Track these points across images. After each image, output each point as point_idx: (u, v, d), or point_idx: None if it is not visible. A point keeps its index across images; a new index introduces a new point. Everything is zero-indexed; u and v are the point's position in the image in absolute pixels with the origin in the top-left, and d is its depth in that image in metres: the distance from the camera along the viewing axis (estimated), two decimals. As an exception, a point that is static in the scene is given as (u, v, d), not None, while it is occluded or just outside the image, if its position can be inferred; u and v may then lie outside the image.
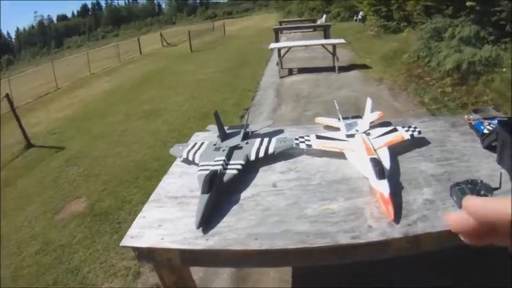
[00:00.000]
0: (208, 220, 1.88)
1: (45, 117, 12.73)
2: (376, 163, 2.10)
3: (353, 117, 3.03)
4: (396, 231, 1.70)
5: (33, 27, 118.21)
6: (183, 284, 2.15)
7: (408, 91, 8.97)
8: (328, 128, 3.04)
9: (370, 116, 2.97)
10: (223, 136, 2.83)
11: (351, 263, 1.77)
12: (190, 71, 16.42)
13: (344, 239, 1.68)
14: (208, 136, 3.12)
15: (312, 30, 23.61)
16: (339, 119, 3.00)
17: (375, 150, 2.33)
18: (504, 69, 7.82)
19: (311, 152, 2.55)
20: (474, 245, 0.57)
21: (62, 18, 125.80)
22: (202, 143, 2.77)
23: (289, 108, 8.76)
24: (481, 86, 7.91)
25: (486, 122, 2.59)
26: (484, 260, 2.74)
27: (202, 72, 15.50)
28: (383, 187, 1.92)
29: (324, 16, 28.57)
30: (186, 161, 2.63)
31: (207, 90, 11.90)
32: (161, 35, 34.84)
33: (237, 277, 3.38)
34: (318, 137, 2.66)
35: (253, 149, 2.56)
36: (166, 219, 1.97)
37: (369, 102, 3.08)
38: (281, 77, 12.36)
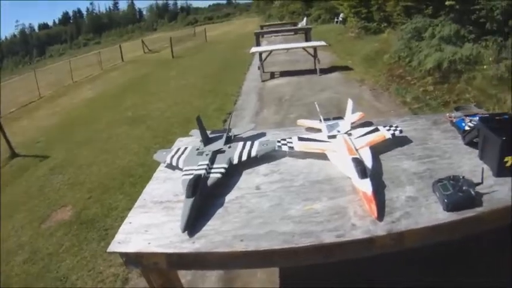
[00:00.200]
0: (193, 224, 1.89)
1: (29, 126, 12.64)
2: (358, 163, 2.13)
3: (334, 119, 3.05)
4: (380, 229, 1.72)
5: (15, 36, 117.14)
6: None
7: (390, 91, 9.05)
8: (310, 129, 3.04)
9: (351, 116, 2.99)
10: (206, 141, 2.83)
11: (336, 262, 1.79)
12: (173, 77, 16.43)
13: (329, 238, 1.70)
14: (191, 141, 3.12)
15: (293, 33, 23.67)
16: (321, 120, 3.02)
17: (357, 150, 2.35)
18: (485, 67, 7.91)
19: (294, 153, 2.56)
20: None
21: (44, 26, 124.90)
22: (186, 148, 2.77)
23: (272, 111, 8.79)
24: (463, 84, 8.00)
25: (467, 119, 2.62)
26: (466, 256, 2.78)
27: (185, 78, 15.52)
28: (366, 186, 1.94)
29: (305, 19, 28.73)
30: (170, 166, 2.63)
31: (189, 96, 11.90)
32: (142, 41, 34.79)
33: (224, 279, 3.38)
34: (300, 139, 2.67)
35: (236, 152, 2.56)
36: (152, 224, 1.97)
37: (350, 103, 3.10)
38: (263, 81, 12.40)
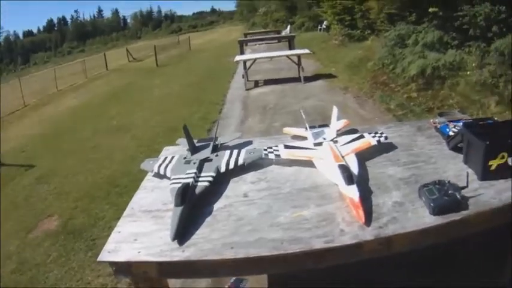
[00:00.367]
0: (183, 232, 1.89)
1: (14, 135, 12.50)
2: (345, 169, 2.15)
3: (320, 126, 3.07)
4: (368, 234, 1.74)
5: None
6: (161, 296, 2.15)
7: (374, 98, 9.13)
8: (296, 137, 3.05)
9: (336, 124, 3.01)
10: (193, 149, 2.83)
11: (326, 268, 1.81)
12: (157, 85, 16.43)
13: (318, 244, 1.72)
14: (178, 150, 3.11)
15: (276, 41, 23.77)
16: (306, 128, 3.03)
17: (343, 157, 2.36)
18: (468, 73, 8.02)
19: (280, 161, 2.57)
20: None
21: (28, 34, 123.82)
22: (173, 157, 2.76)
23: (257, 120, 8.84)
24: (446, 90, 8.10)
25: (451, 125, 2.65)
26: (453, 259, 2.81)
27: (169, 86, 15.55)
28: (352, 192, 1.96)
29: (288, 27, 28.88)
30: (158, 175, 2.62)
31: (174, 105, 11.92)
32: (127, 50, 34.63)
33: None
34: (287, 147, 2.68)
35: (223, 161, 2.57)
36: (142, 233, 1.97)
37: (335, 110, 3.13)
38: (247, 89, 12.47)
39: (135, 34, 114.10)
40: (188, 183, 2.22)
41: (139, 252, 1.81)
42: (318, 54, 17.21)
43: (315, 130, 2.96)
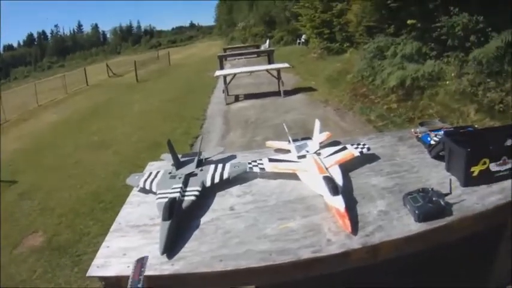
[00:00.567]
0: (172, 246, 1.90)
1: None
2: (329, 180, 2.17)
3: (303, 139, 3.09)
4: (355, 242, 1.77)
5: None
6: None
7: (354, 110, 9.24)
8: (279, 151, 3.06)
9: (319, 136, 3.04)
10: (178, 164, 2.83)
11: (314, 277, 1.83)
12: (137, 100, 16.43)
13: (306, 254, 1.74)
14: (162, 165, 3.11)
15: (256, 56, 23.89)
16: (289, 141, 3.04)
17: (327, 168, 2.39)
18: (447, 82, 8.16)
19: (265, 175, 2.59)
20: None
21: (8, 48, 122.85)
22: (158, 172, 2.77)
23: (238, 134, 8.89)
24: (426, 100, 8.22)
25: (432, 134, 2.69)
26: (439, 264, 2.85)
27: (149, 102, 15.57)
28: (338, 202, 1.98)
29: (267, 41, 29.04)
30: (143, 190, 2.62)
31: (155, 120, 11.94)
32: (107, 65, 34.54)
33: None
34: (271, 160, 2.69)
35: (208, 175, 2.58)
36: (130, 248, 1.97)
37: (317, 123, 3.17)
38: (228, 104, 12.55)
39: (115, 49, 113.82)
40: (175, 198, 2.23)
41: (128, 266, 1.81)
42: (298, 68, 17.35)
43: (298, 143, 2.98)
